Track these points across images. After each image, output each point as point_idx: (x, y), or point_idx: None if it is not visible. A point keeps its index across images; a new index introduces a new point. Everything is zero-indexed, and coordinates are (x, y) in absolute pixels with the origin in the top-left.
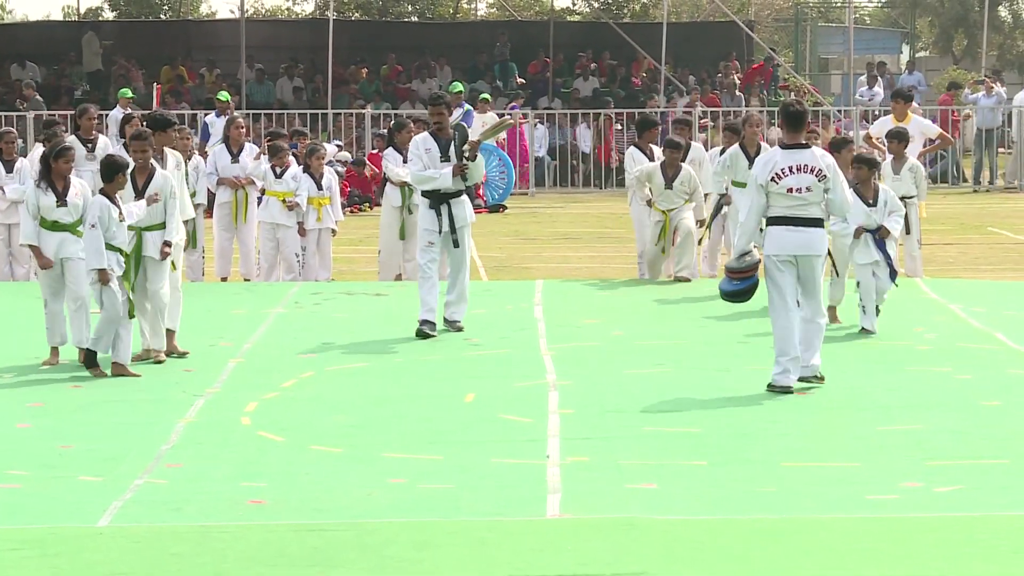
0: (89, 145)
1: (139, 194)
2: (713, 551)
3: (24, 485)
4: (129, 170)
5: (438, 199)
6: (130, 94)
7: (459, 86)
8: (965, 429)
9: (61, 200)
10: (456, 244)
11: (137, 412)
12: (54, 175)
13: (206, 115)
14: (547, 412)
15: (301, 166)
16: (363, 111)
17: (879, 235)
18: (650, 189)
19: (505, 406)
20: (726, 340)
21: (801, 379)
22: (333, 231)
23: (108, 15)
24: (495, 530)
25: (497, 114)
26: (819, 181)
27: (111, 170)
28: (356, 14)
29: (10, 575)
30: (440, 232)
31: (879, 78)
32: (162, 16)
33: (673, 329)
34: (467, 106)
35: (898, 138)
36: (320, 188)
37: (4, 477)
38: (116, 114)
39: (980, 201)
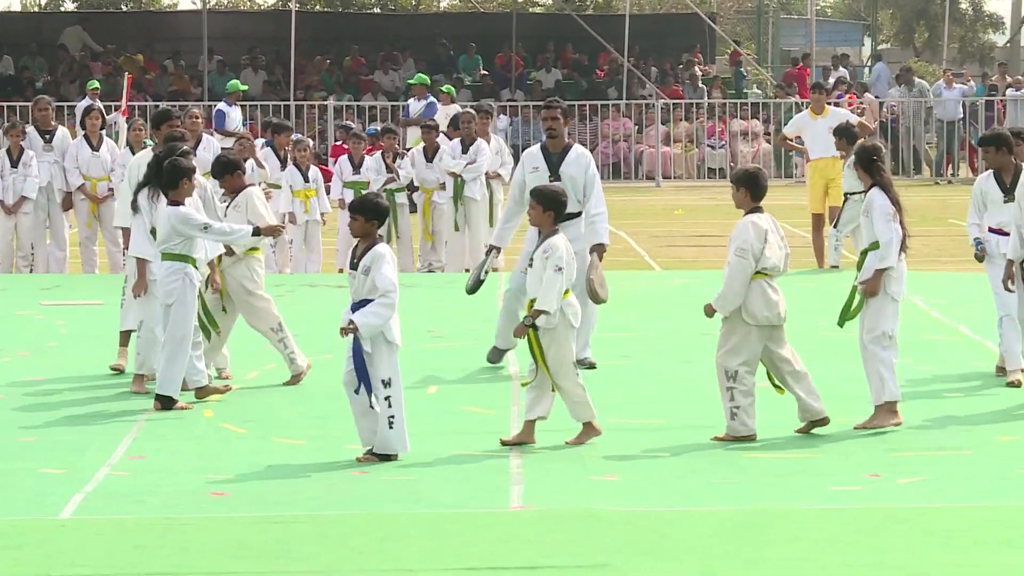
0: (47, 136)
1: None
2: (675, 542)
3: None
4: (195, 175)
5: None
6: (97, 85)
7: (424, 78)
8: (927, 420)
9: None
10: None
11: (99, 404)
12: None
13: (216, 105)
14: (510, 404)
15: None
16: (325, 103)
17: None
18: None
19: (468, 398)
20: (689, 332)
21: None
22: (323, 221)
23: (69, 6)
24: (458, 521)
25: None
26: None
27: (175, 176)
28: (318, 5)
29: None
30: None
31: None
32: (123, 7)
33: (636, 321)
34: (431, 97)
35: (843, 135)
36: (306, 180)
37: None
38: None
39: (942, 193)
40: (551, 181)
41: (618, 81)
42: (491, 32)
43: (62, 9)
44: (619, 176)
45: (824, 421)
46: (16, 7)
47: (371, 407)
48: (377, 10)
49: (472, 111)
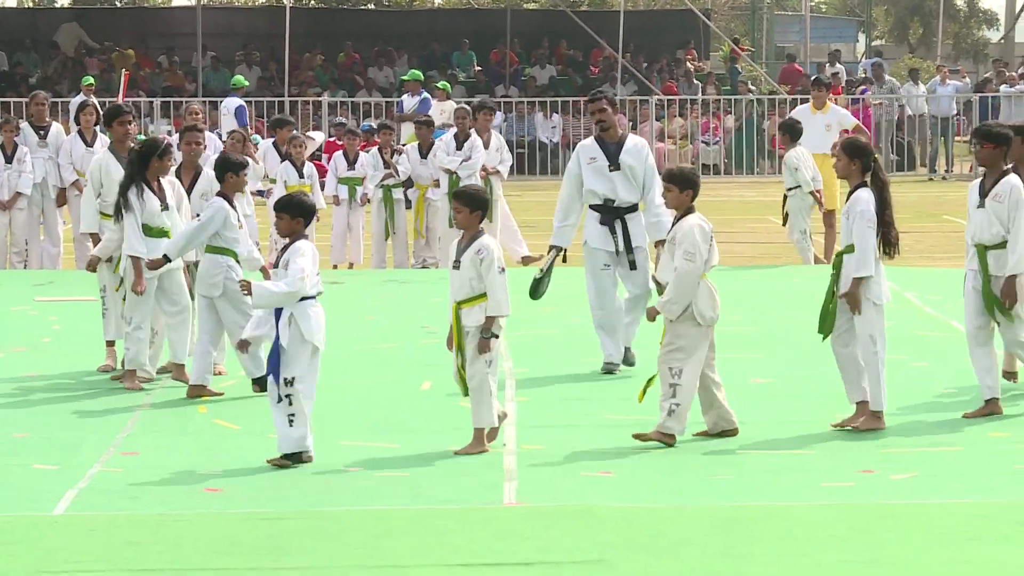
0: (41, 132)
1: (188, 192)
2: (670, 538)
3: None
4: (244, 170)
5: (611, 213)
6: (91, 81)
7: (418, 74)
8: (920, 416)
9: (164, 203)
10: (633, 266)
11: (93, 400)
12: (150, 175)
13: (222, 101)
14: (504, 400)
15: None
16: (319, 99)
17: None
18: None
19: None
20: None
21: None
22: (316, 218)
23: (64, 2)
24: (452, 518)
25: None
26: None
27: (223, 169)
28: (312, 1)
29: None
30: (617, 253)
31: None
32: (118, 3)
33: None
34: (425, 93)
35: (787, 131)
36: (301, 176)
37: None
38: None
39: (936, 189)
40: (611, 171)
41: (612, 77)
42: (485, 28)
43: (57, 5)
44: None
45: (735, 432)
46: (11, 3)
47: (279, 400)
48: (371, 6)
49: (467, 107)
